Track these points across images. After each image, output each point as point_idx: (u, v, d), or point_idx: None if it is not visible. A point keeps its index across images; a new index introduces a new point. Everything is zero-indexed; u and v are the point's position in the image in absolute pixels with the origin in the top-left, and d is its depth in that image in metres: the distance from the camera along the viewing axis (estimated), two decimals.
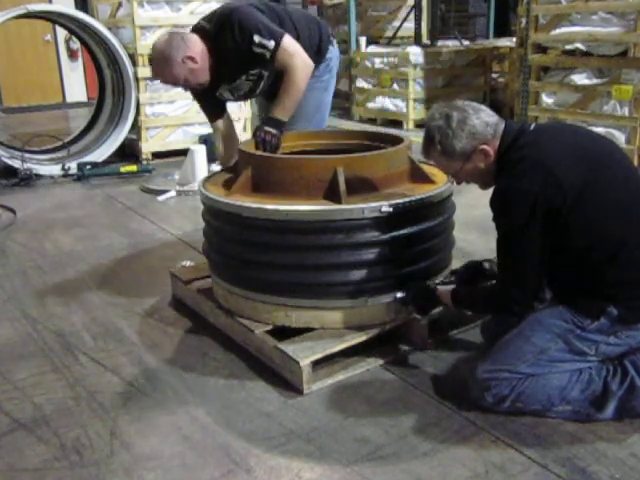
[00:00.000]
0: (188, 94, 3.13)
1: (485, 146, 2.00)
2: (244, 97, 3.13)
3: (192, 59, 2.70)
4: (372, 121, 7.85)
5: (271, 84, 2.92)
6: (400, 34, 8.69)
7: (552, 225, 1.89)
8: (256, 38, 2.68)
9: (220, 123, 3.09)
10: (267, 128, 2.69)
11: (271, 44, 2.69)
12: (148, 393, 2.30)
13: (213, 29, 2.76)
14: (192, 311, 2.89)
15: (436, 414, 2.10)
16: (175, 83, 2.81)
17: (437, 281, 2.44)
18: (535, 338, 2.01)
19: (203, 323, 2.77)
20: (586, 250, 1.93)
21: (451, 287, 2.28)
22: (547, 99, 5.74)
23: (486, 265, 2.41)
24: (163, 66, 2.72)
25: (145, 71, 5.67)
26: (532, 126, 2.04)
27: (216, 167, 4.61)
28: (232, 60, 2.80)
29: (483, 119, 2.00)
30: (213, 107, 3.10)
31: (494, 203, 1.98)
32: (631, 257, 1.95)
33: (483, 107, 2.05)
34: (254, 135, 2.73)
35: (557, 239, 1.92)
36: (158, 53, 2.73)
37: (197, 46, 2.73)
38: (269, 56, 2.71)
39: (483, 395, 2.05)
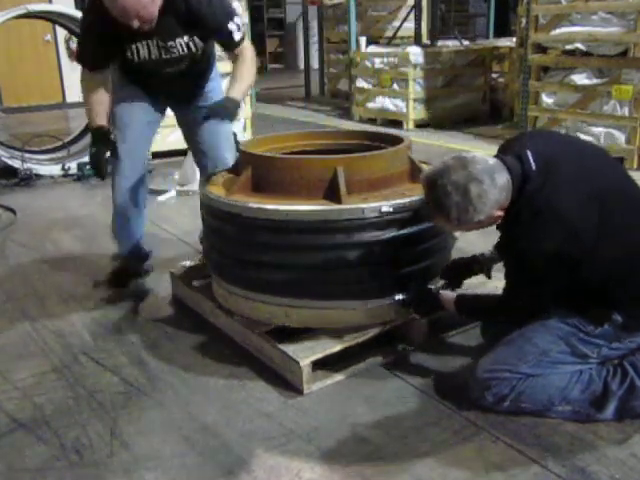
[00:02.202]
0: None
1: (500, 211, 1.91)
2: (164, 64, 2.73)
3: None
4: (372, 121, 7.84)
5: (186, 72, 2.81)
6: (400, 34, 8.69)
7: (567, 267, 1.89)
8: (236, 19, 2.64)
9: (101, 75, 2.72)
10: (227, 105, 2.62)
11: (242, 29, 2.68)
12: (148, 393, 2.30)
13: None
14: (192, 311, 2.89)
15: (436, 414, 2.10)
16: (135, 13, 2.38)
17: (439, 284, 2.42)
18: (537, 339, 2.02)
19: (203, 323, 2.77)
20: (596, 275, 1.93)
21: (454, 293, 2.29)
22: (547, 99, 5.74)
23: (475, 265, 2.45)
24: None
25: None
26: (532, 164, 1.90)
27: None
28: (185, 20, 2.59)
29: (498, 184, 1.84)
30: (106, 55, 2.68)
31: (506, 253, 1.97)
32: (637, 269, 1.95)
33: (490, 162, 1.88)
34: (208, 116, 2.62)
35: (569, 273, 1.91)
36: None
37: None
38: (239, 38, 2.66)
39: (483, 394, 2.05)
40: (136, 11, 2.38)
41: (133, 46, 2.63)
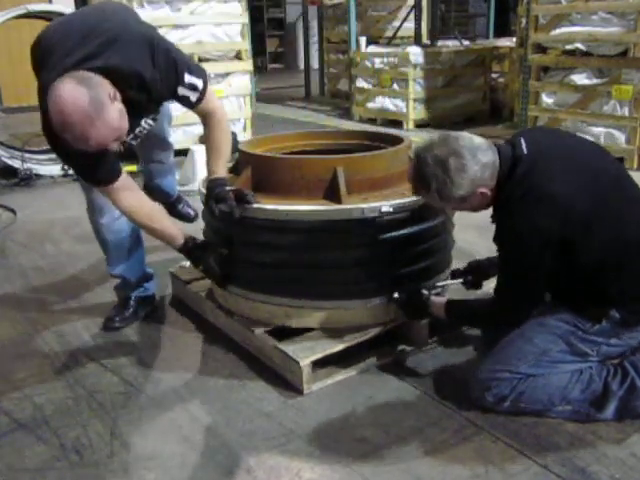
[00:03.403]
0: None
1: (484, 189, 1.92)
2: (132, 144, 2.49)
3: (116, 97, 2.03)
4: (372, 121, 7.84)
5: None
6: (400, 34, 8.68)
7: (561, 251, 1.88)
8: (187, 77, 2.19)
9: (126, 179, 2.33)
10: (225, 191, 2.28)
11: (200, 84, 2.23)
12: (148, 393, 2.30)
13: (122, 63, 2.08)
14: (192, 311, 2.89)
15: (436, 414, 2.10)
16: (113, 138, 2.04)
17: (434, 291, 2.39)
18: (537, 339, 2.01)
19: (203, 323, 2.77)
20: (591, 265, 1.93)
21: (445, 298, 2.29)
22: (547, 99, 5.73)
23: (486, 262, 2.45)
24: (95, 119, 1.94)
25: None
26: (524, 148, 1.93)
27: None
28: (144, 101, 2.23)
29: (481, 162, 1.87)
30: (114, 163, 2.29)
31: (501, 240, 1.96)
32: (634, 264, 1.95)
33: (476, 141, 1.91)
34: (210, 201, 2.28)
35: (563, 260, 1.91)
36: (82, 104, 1.92)
37: (106, 82, 2.03)
38: (196, 99, 2.25)
39: (483, 395, 2.05)
40: (115, 136, 2.06)
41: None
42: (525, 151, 1.93)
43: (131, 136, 2.35)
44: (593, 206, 1.88)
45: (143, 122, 2.41)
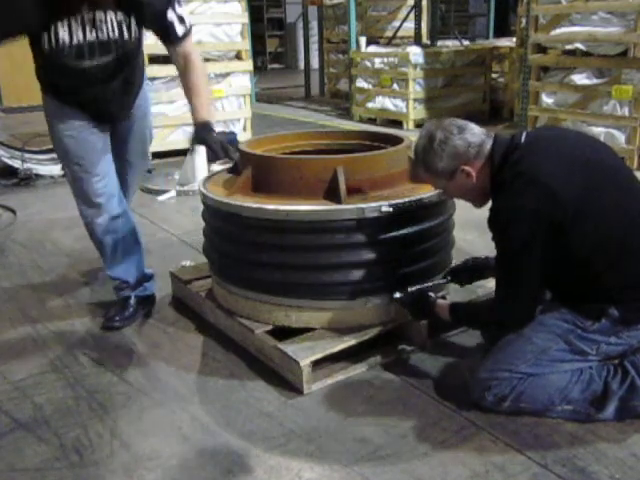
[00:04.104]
0: None
1: (466, 167, 1.98)
2: (89, 53, 2.29)
3: None
4: (372, 121, 7.85)
5: (115, 75, 2.42)
6: (400, 34, 8.69)
7: (553, 239, 1.88)
8: (178, 7, 2.30)
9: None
10: (213, 136, 2.32)
11: (188, 23, 2.34)
12: (148, 393, 2.30)
13: None
14: (192, 311, 2.89)
15: (436, 414, 2.10)
16: None
17: (440, 294, 2.39)
18: (536, 338, 2.01)
19: (203, 323, 2.77)
20: (587, 258, 1.93)
21: (449, 301, 2.28)
22: (547, 99, 5.74)
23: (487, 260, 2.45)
24: None
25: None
26: (523, 138, 1.99)
27: (216, 167, 4.61)
28: None
29: (466, 139, 1.97)
30: (17, 24, 2.16)
31: (493, 223, 1.97)
32: (632, 261, 1.95)
33: (470, 126, 2.01)
34: (196, 142, 2.35)
35: (558, 250, 1.91)
36: None
37: None
38: (182, 33, 2.32)
39: (483, 395, 2.05)
40: None
41: (52, 27, 2.19)
42: (523, 140, 1.99)
43: (90, 15, 2.22)
44: (585, 193, 1.88)
45: (109, 17, 2.25)
